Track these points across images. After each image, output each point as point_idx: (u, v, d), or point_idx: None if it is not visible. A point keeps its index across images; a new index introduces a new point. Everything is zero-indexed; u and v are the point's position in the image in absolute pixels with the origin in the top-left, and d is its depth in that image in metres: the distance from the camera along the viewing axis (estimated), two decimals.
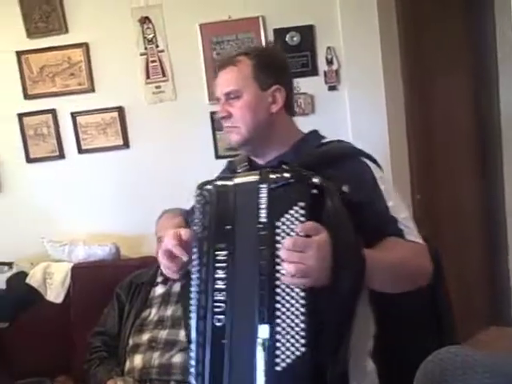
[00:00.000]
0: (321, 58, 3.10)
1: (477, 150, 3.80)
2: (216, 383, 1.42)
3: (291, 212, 1.37)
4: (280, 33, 3.08)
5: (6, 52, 3.25)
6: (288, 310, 1.35)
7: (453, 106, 3.65)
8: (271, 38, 3.09)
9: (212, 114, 3.16)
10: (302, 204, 1.36)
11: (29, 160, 3.34)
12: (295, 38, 3.08)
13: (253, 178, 1.49)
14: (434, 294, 1.88)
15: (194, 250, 1.49)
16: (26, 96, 3.30)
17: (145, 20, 3.16)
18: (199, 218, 1.51)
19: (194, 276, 1.49)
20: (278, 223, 1.37)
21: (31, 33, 3.23)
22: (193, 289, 1.49)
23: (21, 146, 3.33)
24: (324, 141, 1.75)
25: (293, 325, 1.34)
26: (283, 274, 1.34)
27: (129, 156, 3.29)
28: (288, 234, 1.36)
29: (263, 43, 3.03)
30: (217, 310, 1.44)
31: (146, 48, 3.19)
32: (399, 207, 1.62)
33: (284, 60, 1.82)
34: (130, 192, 3.28)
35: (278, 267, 1.35)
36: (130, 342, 2.56)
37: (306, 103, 3.10)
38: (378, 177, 1.64)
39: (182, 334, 2.48)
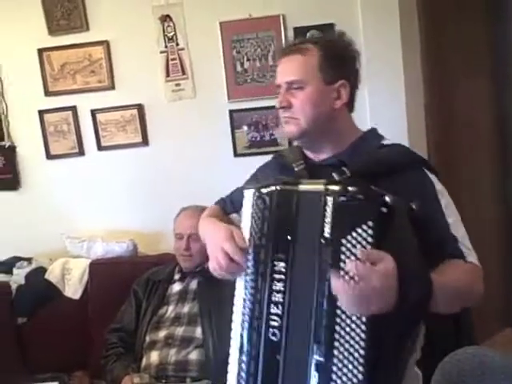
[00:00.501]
0: None
1: (497, 150, 3.76)
2: None
3: (359, 230, 1.28)
4: (300, 31, 3.05)
5: (27, 49, 3.28)
6: (348, 333, 1.28)
7: (473, 107, 3.61)
8: (291, 36, 3.07)
9: (231, 112, 3.16)
10: (370, 223, 1.28)
11: (49, 157, 3.36)
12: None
13: (318, 186, 1.39)
14: None
15: (249, 256, 1.44)
16: (47, 93, 3.32)
17: (165, 18, 3.17)
18: (257, 223, 1.45)
19: (246, 284, 1.44)
20: (344, 241, 1.29)
21: (53, 30, 3.25)
22: (244, 296, 1.44)
23: (41, 142, 3.35)
24: (384, 142, 1.67)
25: (352, 350, 1.27)
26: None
27: (148, 153, 3.29)
28: (353, 254, 1.27)
29: (283, 40, 3.03)
30: (272, 323, 1.38)
31: (166, 46, 3.19)
32: (458, 223, 1.55)
33: (353, 52, 1.67)
34: (149, 189, 3.28)
35: None
36: (147, 338, 2.57)
37: None
38: (438, 190, 1.56)
39: (198, 331, 2.49)
